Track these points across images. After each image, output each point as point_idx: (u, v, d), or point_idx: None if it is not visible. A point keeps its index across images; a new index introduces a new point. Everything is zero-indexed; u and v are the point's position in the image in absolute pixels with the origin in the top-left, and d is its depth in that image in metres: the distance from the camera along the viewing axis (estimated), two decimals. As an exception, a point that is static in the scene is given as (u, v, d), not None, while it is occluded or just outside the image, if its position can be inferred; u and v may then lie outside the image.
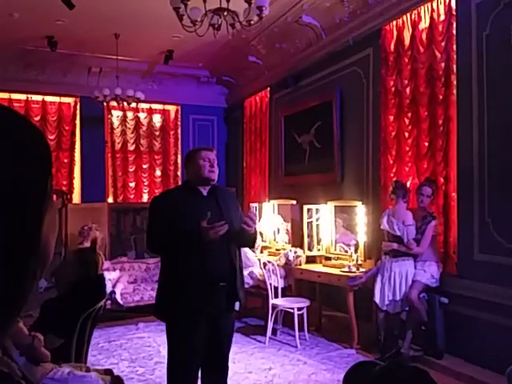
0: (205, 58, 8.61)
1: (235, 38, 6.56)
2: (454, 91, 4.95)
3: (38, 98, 8.78)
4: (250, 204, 8.62)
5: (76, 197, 8.90)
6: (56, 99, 8.91)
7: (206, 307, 3.04)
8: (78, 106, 8.95)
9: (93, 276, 3.64)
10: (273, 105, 8.47)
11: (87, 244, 6.73)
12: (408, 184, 5.43)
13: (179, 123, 9.82)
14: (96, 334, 4.93)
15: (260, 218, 8.12)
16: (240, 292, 3.17)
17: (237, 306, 3.27)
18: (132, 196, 9.43)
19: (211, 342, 3.12)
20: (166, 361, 3.20)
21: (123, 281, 7.03)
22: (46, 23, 6.88)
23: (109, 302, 6.41)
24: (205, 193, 3.18)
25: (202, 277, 3.01)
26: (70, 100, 8.97)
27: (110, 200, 9.16)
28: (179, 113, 9.81)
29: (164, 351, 3.19)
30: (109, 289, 6.40)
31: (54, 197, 7.36)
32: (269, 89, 8.55)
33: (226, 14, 4.74)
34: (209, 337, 3.10)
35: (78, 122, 8.97)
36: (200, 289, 3.00)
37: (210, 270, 3.02)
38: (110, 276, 6.70)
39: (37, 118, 8.66)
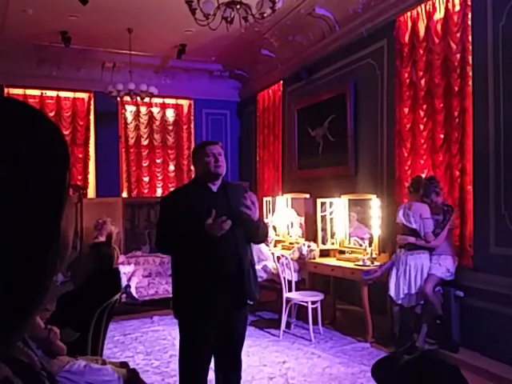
0: (217, 51, 8.60)
1: (248, 32, 6.54)
2: (470, 82, 4.88)
3: (53, 93, 8.84)
4: (264, 198, 8.62)
5: (91, 192, 8.97)
6: (70, 94, 8.97)
7: (217, 304, 3.02)
8: (92, 101, 9.00)
9: (108, 270, 3.67)
10: (286, 98, 8.44)
11: (102, 238, 6.79)
12: (423, 177, 5.38)
13: (192, 117, 9.83)
14: (111, 328, 4.98)
15: (273, 212, 8.12)
16: (250, 288, 3.13)
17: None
18: (146, 190, 9.47)
19: (224, 336, 3.12)
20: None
21: (138, 275, 7.07)
22: (60, 19, 6.91)
23: (124, 295, 6.46)
24: (214, 189, 3.14)
25: (213, 274, 2.99)
26: (84, 95, 9.02)
27: (125, 195, 9.22)
28: (192, 107, 9.82)
29: (178, 344, 3.21)
30: (124, 282, 6.45)
31: (71, 191, 7.43)
32: (282, 82, 8.52)
33: (238, 7, 4.73)
34: (222, 331, 3.10)
35: (92, 117, 9.03)
36: (211, 286, 2.99)
37: (219, 267, 2.99)
38: (124, 270, 6.75)
39: (51, 114, 8.72)
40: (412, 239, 4.98)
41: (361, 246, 6.14)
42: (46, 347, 2.78)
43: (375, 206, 5.95)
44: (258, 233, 3.15)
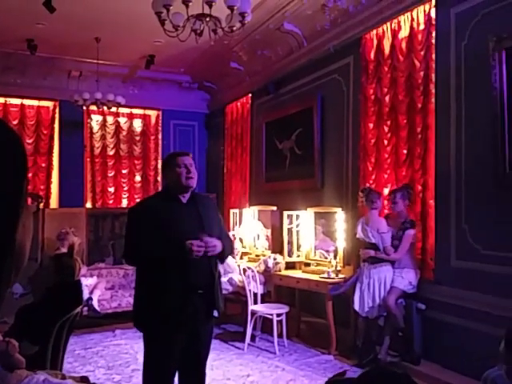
0: (186, 63, 8.60)
1: (217, 44, 6.56)
2: (433, 100, 5.01)
3: (17, 101, 8.66)
4: (231, 210, 8.61)
5: (54, 201, 8.78)
6: (35, 103, 8.79)
7: (183, 316, 2.99)
8: (57, 110, 8.84)
9: (69, 282, 3.60)
10: (254, 111, 8.49)
11: (64, 249, 6.63)
12: (387, 191, 5.47)
13: (160, 128, 9.77)
14: (72, 341, 4.86)
15: (240, 224, 8.11)
16: (218, 300, 3.14)
17: (215, 312, 3.25)
18: (111, 201, 9.33)
19: (189, 348, 3.09)
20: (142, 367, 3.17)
21: (101, 287, 6.94)
22: (26, 26, 6.80)
23: (85, 308, 6.33)
24: (184, 200, 3.13)
25: (180, 286, 2.96)
26: (49, 104, 8.85)
27: (89, 205, 9.06)
28: (160, 118, 9.76)
29: (141, 358, 3.16)
30: (86, 295, 6.32)
31: (29, 200, 7.26)
32: (250, 95, 8.57)
33: (208, 19, 4.74)
34: (187, 344, 3.06)
35: (56, 126, 8.86)
36: (178, 298, 2.96)
37: (187, 279, 2.97)
38: (87, 282, 6.62)
39: (15, 122, 8.53)
40: (373, 253, 5.05)
41: (326, 258, 6.19)
42: (3, 360, 2.70)
43: (340, 218, 6.02)
44: (227, 255, 3.31)
